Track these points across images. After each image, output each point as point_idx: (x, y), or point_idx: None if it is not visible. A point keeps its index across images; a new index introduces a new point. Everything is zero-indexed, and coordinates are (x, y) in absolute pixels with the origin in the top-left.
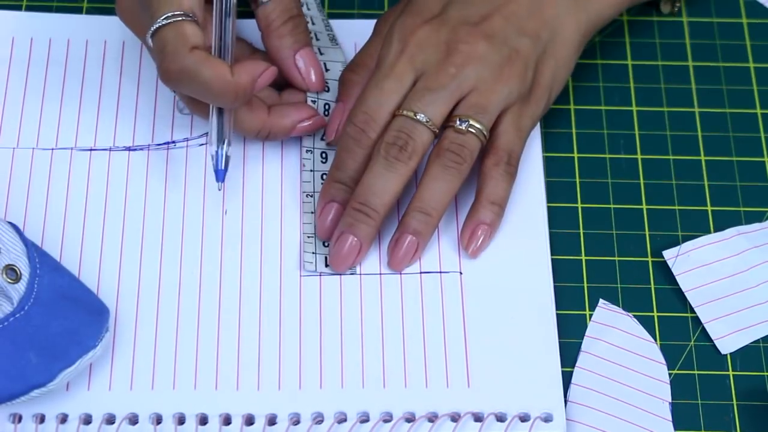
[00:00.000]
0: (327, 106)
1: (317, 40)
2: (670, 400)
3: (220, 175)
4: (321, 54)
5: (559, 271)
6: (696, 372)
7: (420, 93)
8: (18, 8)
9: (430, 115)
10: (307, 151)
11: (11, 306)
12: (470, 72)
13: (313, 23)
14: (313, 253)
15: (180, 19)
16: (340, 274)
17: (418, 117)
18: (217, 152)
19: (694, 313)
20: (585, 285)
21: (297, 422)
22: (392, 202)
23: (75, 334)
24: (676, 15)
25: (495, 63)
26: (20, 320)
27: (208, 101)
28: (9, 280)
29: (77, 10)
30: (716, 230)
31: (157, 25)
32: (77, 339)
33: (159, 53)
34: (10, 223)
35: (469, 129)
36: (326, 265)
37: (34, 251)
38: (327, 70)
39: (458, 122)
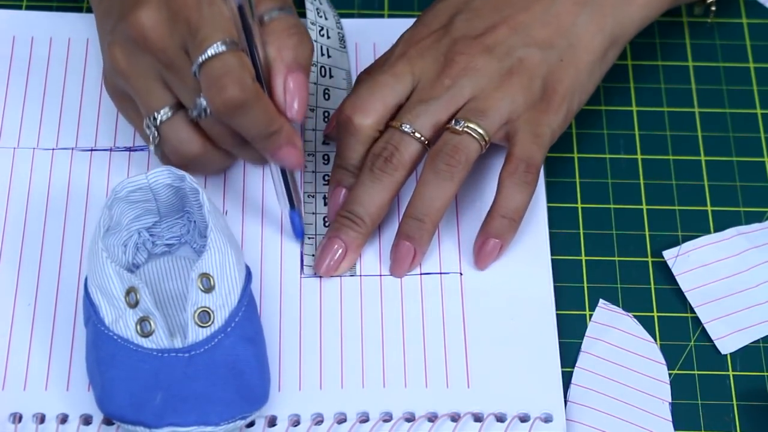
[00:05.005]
0: (326, 114)
1: (328, 38)
2: (670, 400)
3: (298, 232)
4: (329, 57)
5: (559, 271)
6: (696, 372)
7: (412, 105)
8: (18, 7)
9: (418, 126)
10: (309, 154)
11: (180, 344)
12: (466, 83)
13: (325, 18)
14: (313, 255)
15: (236, 48)
16: (340, 276)
17: (404, 128)
18: (292, 215)
19: (694, 313)
20: (585, 285)
21: (297, 423)
22: (379, 213)
23: (208, 404)
24: (707, 17)
25: (494, 74)
26: (177, 359)
27: (254, 133)
28: (198, 323)
29: (78, 9)
30: (716, 230)
31: (213, 52)
32: (206, 409)
33: (215, 81)
34: (247, 269)
35: (466, 129)
36: None
37: (241, 309)
38: (331, 76)
39: (454, 123)
